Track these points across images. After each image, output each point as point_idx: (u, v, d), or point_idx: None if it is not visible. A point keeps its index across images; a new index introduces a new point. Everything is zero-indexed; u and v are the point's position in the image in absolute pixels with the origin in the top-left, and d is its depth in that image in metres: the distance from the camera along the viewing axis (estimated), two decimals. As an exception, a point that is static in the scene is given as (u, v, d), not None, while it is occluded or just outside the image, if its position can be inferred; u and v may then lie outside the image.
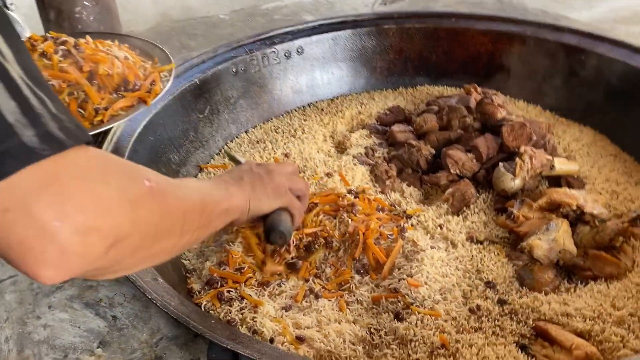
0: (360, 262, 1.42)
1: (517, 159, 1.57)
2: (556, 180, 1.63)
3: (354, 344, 1.22)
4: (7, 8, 1.71)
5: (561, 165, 1.59)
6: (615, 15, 3.39)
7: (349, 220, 1.45)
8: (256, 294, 1.35)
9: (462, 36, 2.13)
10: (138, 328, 1.16)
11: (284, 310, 1.31)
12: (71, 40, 1.49)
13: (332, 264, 1.43)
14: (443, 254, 1.40)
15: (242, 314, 1.29)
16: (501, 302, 1.27)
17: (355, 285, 1.37)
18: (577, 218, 1.42)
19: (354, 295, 1.35)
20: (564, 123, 1.92)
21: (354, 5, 3.03)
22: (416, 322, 1.23)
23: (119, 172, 0.66)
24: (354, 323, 1.28)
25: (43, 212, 0.53)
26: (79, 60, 1.41)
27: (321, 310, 1.31)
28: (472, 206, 1.57)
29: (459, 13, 2.25)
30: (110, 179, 0.63)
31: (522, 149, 1.58)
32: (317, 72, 2.14)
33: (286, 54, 2.07)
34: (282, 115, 2.07)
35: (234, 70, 1.95)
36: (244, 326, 1.26)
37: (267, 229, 1.08)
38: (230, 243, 1.44)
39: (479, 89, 1.94)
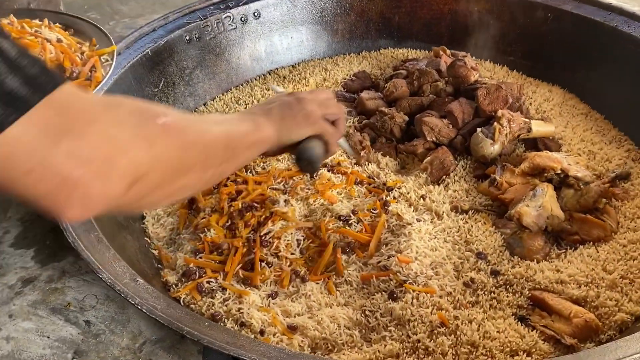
0: (344, 240, 1.35)
1: (496, 124, 1.52)
2: (532, 143, 1.60)
3: (349, 329, 1.16)
4: None
5: (538, 128, 1.56)
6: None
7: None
8: (238, 281, 1.26)
9: (425, -5, 2.05)
10: (117, 333, 1.04)
11: (270, 298, 1.23)
12: None
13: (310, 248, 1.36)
14: (430, 226, 1.35)
15: (226, 305, 1.20)
16: (494, 273, 1.24)
17: (343, 265, 1.31)
18: (560, 182, 1.40)
19: (342, 276, 1.29)
20: (533, 83, 1.89)
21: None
22: (412, 301, 1.18)
23: (127, 111, 0.66)
24: (346, 306, 1.22)
25: (63, 165, 0.55)
26: None
27: (310, 295, 1.24)
28: (451, 174, 1.52)
29: (419, -29, 2.16)
30: (122, 118, 0.63)
31: (499, 112, 1.54)
32: (276, 37, 2.01)
33: (242, 19, 1.92)
34: (242, 85, 1.94)
35: (187, 38, 1.80)
36: (230, 319, 1.17)
37: (297, 157, 1.04)
38: (205, 229, 1.34)
39: (448, 51, 1.87)
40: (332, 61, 2.05)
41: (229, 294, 1.21)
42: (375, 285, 1.25)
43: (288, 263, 1.30)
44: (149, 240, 1.38)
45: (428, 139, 1.59)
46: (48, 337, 1.03)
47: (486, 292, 1.20)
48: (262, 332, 1.14)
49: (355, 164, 1.61)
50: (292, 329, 1.15)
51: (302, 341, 1.13)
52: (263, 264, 1.29)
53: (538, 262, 1.27)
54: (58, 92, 0.56)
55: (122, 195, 0.61)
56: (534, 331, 1.13)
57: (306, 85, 1.92)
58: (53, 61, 1.26)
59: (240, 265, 1.28)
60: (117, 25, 2.47)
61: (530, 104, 1.78)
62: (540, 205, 1.32)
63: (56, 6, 1.64)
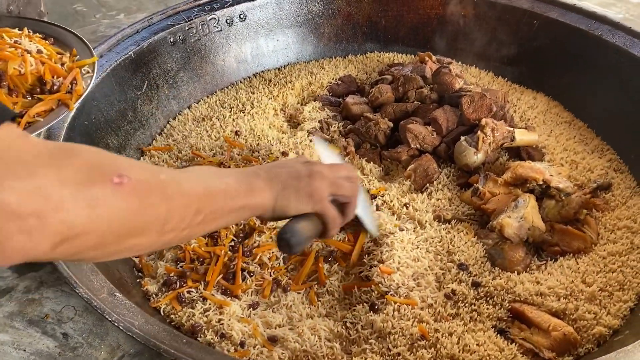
0: (326, 249, 1.35)
1: (479, 132, 1.52)
2: (516, 151, 1.61)
3: (330, 341, 1.16)
4: None
5: (522, 137, 1.57)
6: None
7: None
8: (218, 291, 1.26)
9: (412, -1, 2.04)
10: (95, 346, 1.03)
11: (251, 309, 1.22)
12: None
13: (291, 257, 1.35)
14: (412, 235, 1.35)
15: (206, 316, 1.19)
16: (475, 285, 1.25)
17: (325, 274, 1.31)
18: (542, 192, 1.41)
19: (324, 286, 1.28)
20: (518, 90, 1.90)
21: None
22: (393, 313, 1.18)
23: (77, 167, 0.60)
24: (327, 317, 1.22)
25: None
26: None
27: (291, 305, 1.23)
28: (435, 182, 1.52)
29: (407, -26, 2.15)
30: (66, 175, 0.58)
31: (483, 121, 1.54)
32: (262, 39, 1.99)
33: (228, 21, 1.91)
34: (227, 88, 1.93)
35: (171, 40, 1.78)
36: (211, 330, 1.16)
37: (278, 234, 0.92)
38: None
39: (434, 57, 1.87)
40: (318, 64, 2.04)
41: (210, 304, 1.21)
42: (357, 295, 1.25)
43: (270, 272, 1.29)
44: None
45: (412, 146, 1.59)
46: (24, 350, 1.02)
47: (467, 304, 1.21)
48: (242, 344, 1.14)
49: (339, 170, 1.60)
50: (272, 340, 1.15)
51: (282, 354, 1.13)
52: (244, 273, 1.28)
53: (519, 273, 1.28)
54: None
55: (46, 252, 0.57)
56: (513, 344, 1.14)
57: (292, 89, 1.90)
58: (33, 74, 1.23)
59: (221, 275, 1.27)
60: (104, 17, 2.42)
61: (515, 111, 1.79)
62: (522, 217, 1.32)
63: (36, 6, 1.60)
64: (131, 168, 0.66)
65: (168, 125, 1.74)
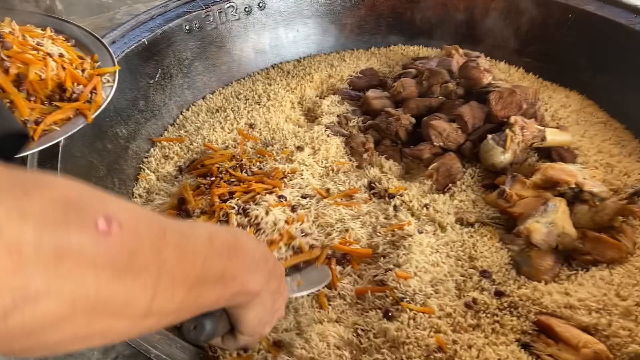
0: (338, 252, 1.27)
1: (508, 131, 1.43)
2: (546, 152, 1.50)
3: (339, 349, 1.08)
4: None
5: (553, 136, 1.46)
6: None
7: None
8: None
9: (440, -10, 1.95)
10: (87, 345, 0.97)
11: (257, 311, 1.15)
12: None
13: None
14: (432, 239, 1.27)
15: (209, 316, 1.12)
16: (499, 294, 1.15)
17: (337, 277, 1.23)
18: (574, 196, 1.31)
19: (335, 289, 1.21)
20: (549, 87, 1.79)
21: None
22: (408, 321, 1.09)
23: (52, 196, 0.43)
24: (337, 322, 1.14)
25: None
26: (3, 60, 1.13)
27: (299, 309, 1.16)
28: (458, 182, 1.43)
29: (435, -36, 2.05)
30: (33, 204, 0.41)
31: (512, 119, 1.45)
32: (282, 29, 1.92)
33: (246, 9, 1.84)
34: (244, 79, 1.86)
35: (187, 27, 1.72)
36: (213, 332, 1.10)
37: (186, 326, 0.77)
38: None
39: (461, 51, 1.78)
40: (339, 57, 1.97)
41: (214, 304, 1.14)
42: (370, 301, 1.17)
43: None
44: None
45: (435, 143, 1.50)
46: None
47: (489, 315, 1.12)
48: (245, 348, 1.07)
49: (356, 167, 1.53)
50: (278, 346, 1.08)
51: (287, 360, 1.05)
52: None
53: (546, 283, 1.18)
54: None
55: None
56: (538, 360, 1.04)
57: (310, 81, 1.83)
58: (54, 80, 1.17)
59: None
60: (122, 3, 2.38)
61: (546, 110, 1.68)
62: (551, 222, 1.23)
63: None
64: (123, 211, 0.49)
65: (181, 116, 1.69)
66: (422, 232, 1.27)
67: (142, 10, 1.67)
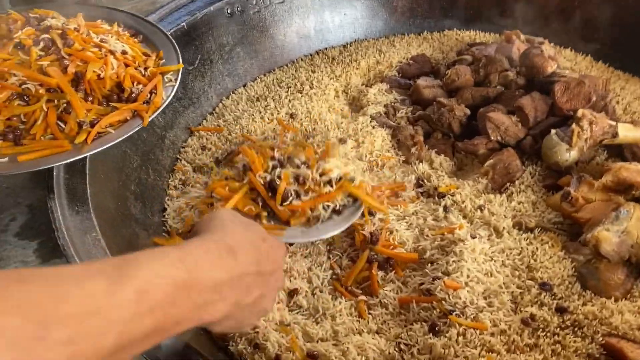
0: (381, 255, 1.17)
1: (574, 125, 1.28)
2: (618, 150, 1.35)
3: (379, 364, 0.99)
4: None
5: (626, 133, 1.31)
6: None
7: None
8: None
9: (500, -30, 1.79)
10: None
11: (292, 314, 1.07)
12: (57, 23, 1.15)
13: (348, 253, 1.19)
14: (486, 245, 1.15)
15: (240, 321, 1.05)
16: (560, 311, 1.03)
17: (378, 283, 1.13)
18: (651, 202, 1.16)
19: (377, 297, 1.11)
20: (622, 77, 1.62)
21: None
22: (457, 338, 0.99)
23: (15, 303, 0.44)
24: (378, 334, 1.05)
25: None
26: (63, 58, 1.08)
27: (337, 317, 1.07)
28: (517, 182, 1.30)
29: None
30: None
31: (579, 112, 1.30)
32: (327, 13, 1.82)
33: (291, -9, 1.74)
34: (287, 66, 1.77)
35: (228, 11, 1.64)
36: (243, 339, 1.02)
37: None
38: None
39: (523, 36, 1.62)
40: (388, 42, 1.84)
41: (245, 308, 1.06)
42: (415, 312, 1.06)
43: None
44: (167, 237, 1.25)
45: (492, 138, 1.37)
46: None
47: (549, 334, 1.00)
48: (277, 358, 0.99)
49: (403, 161, 1.42)
50: (312, 357, 0.99)
51: (322, 374, 0.97)
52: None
53: (616, 300, 1.04)
54: None
55: None
56: (607, 390, 0.92)
57: (357, 68, 1.72)
58: (113, 79, 1.11)
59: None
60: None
61: (618, 102, 1.52)
62: (623, 231, 1.08)
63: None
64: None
65: (220, 104, 1.61)
66: (475, 237, 1.16)
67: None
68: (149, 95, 1.14)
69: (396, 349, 1.00)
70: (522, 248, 1.14)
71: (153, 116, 1.12)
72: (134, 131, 1.08)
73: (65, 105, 1.06)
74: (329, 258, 1.20)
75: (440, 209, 1.24)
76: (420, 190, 1.32)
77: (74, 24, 1.18)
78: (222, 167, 1.38)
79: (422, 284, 1.10)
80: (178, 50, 1.25)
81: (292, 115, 1.52)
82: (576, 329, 1.00)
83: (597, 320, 1.01)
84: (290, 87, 1.65)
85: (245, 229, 0.80)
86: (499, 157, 1.32)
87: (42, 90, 1.05)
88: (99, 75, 1.10)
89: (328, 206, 1.14)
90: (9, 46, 1.09)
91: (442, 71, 1.65)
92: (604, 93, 1.39)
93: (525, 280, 1.09)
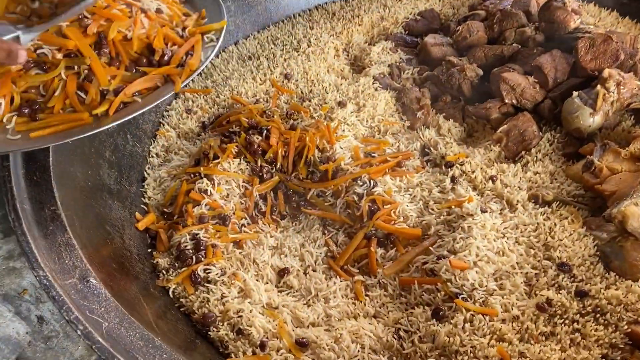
0: (380, 231, 1.06)
1: (599, 87, 1.15)
2: (646, 115, 1.21)
3: (376, 352, 0.88)
4: None
5: (658, 95, 1.17)
6: None
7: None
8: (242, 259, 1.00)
9: None
10: (72, 338, 0.82)
11: (282, 295, 0.97)
12: None
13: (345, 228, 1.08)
14: (498, 220, 1.03)
15: (224, 303, 0.94)
16: (580, 295, 0.91)
17: (377, 261, 1.02)
18: (685, 173, 1.03)
19: (376, 276, 1.00)
20: (652, 34, 1.46)
21: None
22: (463, 324, 0.88)
23: None
24: (375, 318, 0.94)
25: None
26: (85, 17, 0.93)
27: (330, 299, 0.96)
28: (533, 150, 1.17)
29: None
30: None
31: (605, 72, 1.16)
32: (328, -37, 1.66)
33: (287, -62, 1.59)
34: (283, 22, 1.63)
35: (218, -40, 1.48)
36: (226, 323, 0.92)
37: None
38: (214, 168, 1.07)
39: (543, -12, 1.47)
40: (394, -4, 1.69)
41: (228, 288, 0.96)
42: (417, 294, 0.96)
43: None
44: (145, 209, 1.14)
45: (506, 100, 1.24)
46: (-10, 333, 0.82)
47: (567, 321, 0.88)
48: (262, 346, 0.89)
49: (408, 127, 1.29)
50: (301, 345, 0.89)
51: (312, 365, 0.87)
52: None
53: (644, 283, 0.93)
54: None
55: None
56: (633, 386, 0.81)
57: (359, 25, 1.58)
58: (142, 39, 0.96)
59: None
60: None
61: (647, 61, 1.36)
62: (654, 205, 0.96)
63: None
64: None
65: (208, 64, 1.48)
66: (485, 212, 1.04)
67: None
68: (184, 57, 1.00)
69: (395, 336, 0.90)
70: (538, 224, 1.02)
71: (187, 81, 0.99)
72: (163, 99, 0.95)
73: (86, 72, 0.91)
74: (323, 234, 1.09)
75: (448, 180, 1.12)
76: (425, 158, 1.20)
77: None
78: (209, 133, 1.26)
79: (425, 263, 0.99)
80: (222, 5, 1.10)
81: (286, 76, 1.39)
82: (598, 315, 0.89)
83: (622, 305, 0.89)
84: (285, 45, 1.51)
85: None
86: (513, 123, 1.19)
87: (59, 55, 0.90)
88: (125, 37, 0.96)
89: None
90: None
91: (452, 28, 1.50)
92: (632, 51, 1.25)
93: (542, 260, 0.97)
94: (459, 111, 1.31)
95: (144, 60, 0.98)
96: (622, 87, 1.15)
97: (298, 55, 1.46)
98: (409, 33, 1.55)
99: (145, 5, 1.01)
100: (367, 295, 0.98)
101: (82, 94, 0.92)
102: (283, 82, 1.37)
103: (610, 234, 0.99)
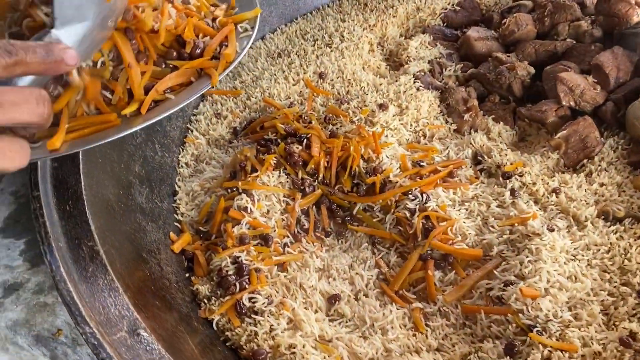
0: (436, 251, 0.97)
1: (670, 89, 1.05)
2: None
3: (445, 394, 0.81)
4: None
5: None
6: None
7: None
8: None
9: None
10: (115, 388, 0.74)
11: (334, 325, 0.89)
12: None
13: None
14: (567, 240, 0.94)
15: (273, 337, 0.87)
16: (667, 327, 0.84)
17: (436, 286, 0.94)
18: None
19: (435, 303, 0.92)
20: None
21: None
22: (541, 363, 0.80)
23: None
24: (439, 352, 0.87)
25: None
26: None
27: (388, 330, 0.88)
28: (596, 158, 1.08)
29: None
30: None
31: (676, 72, 1.06)
32: (358, -52, 1.55)
33: None
34: (311, 14, 1.52)
35: (243, -52, 1.37)
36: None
37: None
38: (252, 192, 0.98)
39: (598, -24, 1.36)
40: (430, -16, 1.58)
41: (277, 319, 0.88)
42: (484, 325, 0.88)
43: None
44: (179, 227, 1.05)
45: (564, 103, 1.14)
46: (24, 383, 0.74)
47: (655, 358, 0.81)
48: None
49: (454, 131, 1.20)
50: (361, 385, 0.81)
51: (376, 410, 0.79)
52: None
53: None
54: None
55: None
56: None
57: (393, 16, 1.47)
58: (170, 30, 0.85)
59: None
60: None
61: None
62: None
63: None
64: None
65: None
66: (552, 230, 0.95)
67: None
68: (218, 48, 0.91)
69: (464, 375, 0.83)
70: (611, 244, 0.94)
71: (224, 73, 0.89)
72: (200, 94, 0.86)
73: (111, 69, 0.81)
74: (373, 253, 1.01)
75: (507, 193, 1.03)
76: (479, 167, 1.11)
77: None
78: (241, 140, 1.16)
79: (490, 288, 0.91)
80: None
81: (321, 75, 1.29)
82: (689, 350, 0.82)
83: None
84: (317, 39, 1.41)
85: None
86: (573, 128, 1.10)
87: None
88: (152, 28, 0.86)
89: None
90: None
91: (495, 19, 1.40)
92: (701, 47, 1.15)
93: (619, 287, 0.89)
94: (509, 113, 1.21)
95: (174, 53, 0.89)
96: (694, 89, 1.06)
97: (331, 51, 1.36)
98: (447, 25, 1.45)
99: None
100: (427, 325, 0.90)
101: (107, 94, 0.82)
102: (317, 82, 1.28)
103: (693, 256, 0.91)
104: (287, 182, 1.07)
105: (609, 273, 0.91)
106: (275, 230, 1.00)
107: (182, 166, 1.16)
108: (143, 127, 0.79)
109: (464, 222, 1.00)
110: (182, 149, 1.19)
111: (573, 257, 0.92)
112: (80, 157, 0.86)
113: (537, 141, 1.17)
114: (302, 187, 1.06)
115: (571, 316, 0.85)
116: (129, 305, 0.68)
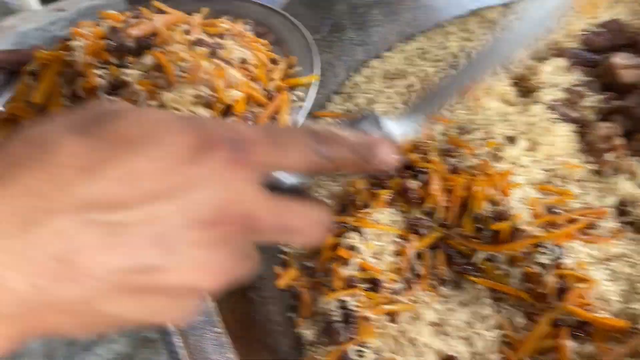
0: (570, 316, 0.85)
1: None
2: None
3: None
4: None
5: None
6: None
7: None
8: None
9: None
10: None
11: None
12: (163, 31, 0.83)
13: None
14: None
15: (382, 400, 0.79)
16: None
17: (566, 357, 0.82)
18: None
19: (570, 381, 0.80)
20: None
21: None
22: None
23: None
24: None
25: None
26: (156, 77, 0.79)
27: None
28: None
29: None
30: None
31: None
32: (487, -40, 1.43)
33: None
34: (433, 31, 1.42)
35: (365, -39, 1.31)
36: None
37: None
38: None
39: None
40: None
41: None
42: (631, 416, 0.75)
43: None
44: (283, 259, 1.00)
45: None
46: None
47: None
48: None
49: (594, 172, 1.05)
50: None
51: None
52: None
53: None
54: None
55: None
56: None
57: (524, 37, 1.34)
58: (239, 103, 0.80)
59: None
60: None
61: None
62: None
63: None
64: None
65: (349, 82, 1.31)
66: None
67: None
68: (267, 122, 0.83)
69: None
70: None
71: None
72: None
73: None
74: (495, 311, 0.90)
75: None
76: (624, 220, 0.97)
77: (183, 24, 0.87)
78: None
79: (639, 371, 0.78)
80: (316, 52, 0.91)
81: (442, 102, 1.19)
82: None
83: None
84: (438, 59, 1.31)
85: None
86: None
87: None
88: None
89: None
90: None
91: (646, 44, 1.23)
92: None
93: None
94: (662, 155, 1.05)
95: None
96: None
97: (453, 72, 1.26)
98: (588, 49, 1.29)
99: (231, 53, 0.83)
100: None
101: None
102: (437, 109, 1.18)
103: None
104: (401, 220, 0.99)
105: None
106: (385, 275, 0.92)
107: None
108: None
109: (606, 285, 0.86)
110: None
111: None
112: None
113: (697, 191, 1.00)
114: (416, 228, 0.97)
115: None
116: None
